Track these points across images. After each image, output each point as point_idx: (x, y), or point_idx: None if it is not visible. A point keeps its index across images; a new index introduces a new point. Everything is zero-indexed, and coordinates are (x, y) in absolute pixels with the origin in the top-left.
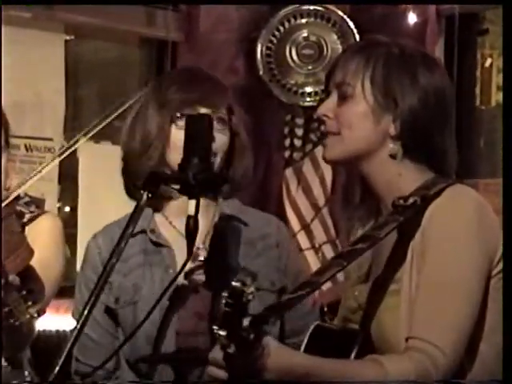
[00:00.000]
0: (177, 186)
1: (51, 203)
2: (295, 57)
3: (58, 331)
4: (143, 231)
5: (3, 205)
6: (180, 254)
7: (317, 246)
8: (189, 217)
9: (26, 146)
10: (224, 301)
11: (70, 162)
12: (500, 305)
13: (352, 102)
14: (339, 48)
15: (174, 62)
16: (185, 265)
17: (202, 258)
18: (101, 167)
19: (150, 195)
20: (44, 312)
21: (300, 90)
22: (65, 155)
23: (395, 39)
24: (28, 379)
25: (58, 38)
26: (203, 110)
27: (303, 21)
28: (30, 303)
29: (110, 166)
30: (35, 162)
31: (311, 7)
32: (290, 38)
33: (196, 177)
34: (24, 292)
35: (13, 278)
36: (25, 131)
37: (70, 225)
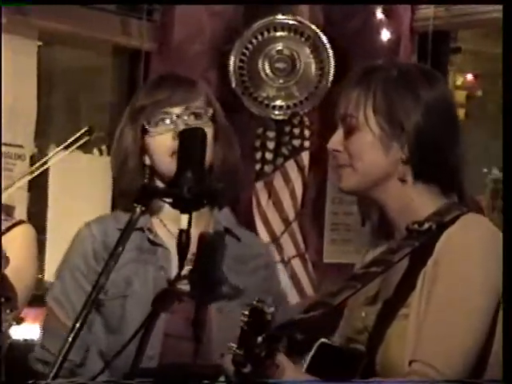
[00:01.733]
0: (170, 200)
1: (21, 211)
2: (268, 70)
3: (25, 340)
4: (140, 229)
5: None
6: (175, 257)
7: (286, 259)
8: (181, 231)
9: None
10: (243, 319)
11: (40, 170)
12: None
13: (358, 133)
14: (312, 62)
15: (146, 72)
16: (177, 278)
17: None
18: (71, 175)
19: (142, 209)
20: (23, 320)
21: (272, 103)
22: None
23: (392, 59)
24: None
25: (31, 44)
26: (176, 110)
27: (277, 34)
28: (8, 311)
29: (79, 175)
30: (6, 169)
31: (285, 21)
32: (264, 51)
33: (190, 191)
34: (2, 299)
35: None
36: None
37: (38, 232)
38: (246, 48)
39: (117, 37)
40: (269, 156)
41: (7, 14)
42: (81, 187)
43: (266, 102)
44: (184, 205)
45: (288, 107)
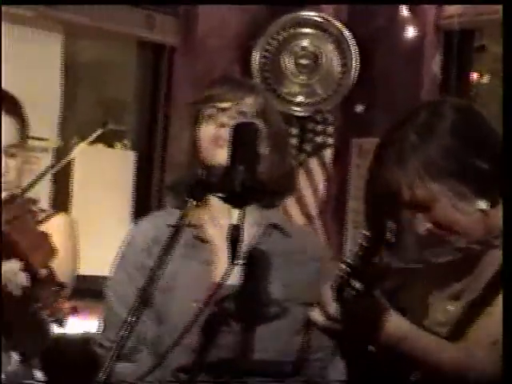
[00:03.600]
0: (222, 195)
1: (44, 203)
2: (291, 66)
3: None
4: (190, 225)
5: (14, 204)
6: (221, 251)
7: None
8: (232, 226)
9: None
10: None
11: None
12: None
13: (438, 208)
14: (335, 59)
15: (170, 66)
16: (227, 274)
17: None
18: (94, 168)
19: (195, 203)
20: (77, 311)
21: (294, 100)
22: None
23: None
24: (39, 379)
25: (56, 37)
26: (223, 105)
27: (301, 30)
28: (62, 299)
29: (103, 168)
30: (31, 162)
31: (310, 17)
32: (287, 47)
33: (242, 185)
34: (56, 288)
35: (44, 272)
36: None
37: None
38: (270, 44)
39: (141, 31)
40: (292, 152)
41: (33, 7)
42: (104, 180)
43: (288, 98)
44: (236, 199)
45: (311, 104)
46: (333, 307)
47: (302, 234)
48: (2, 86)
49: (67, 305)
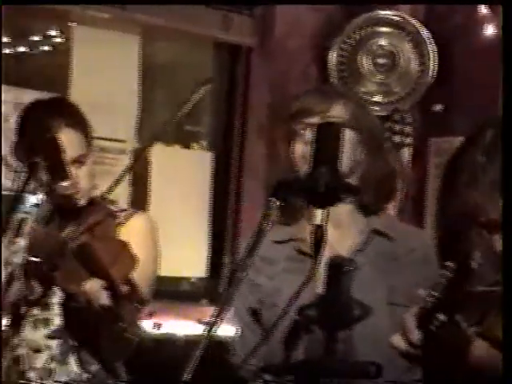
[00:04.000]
0: (305, 195)
1: (123, 205)
2: (368, 65)
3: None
4: (292, 239)
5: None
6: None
7: None
8: (316, 226)
9: (99, 147)
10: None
11: (142, 164)
12: None
13: None
14: (413, 58)
15: (247, 67)
16: (312, 274)
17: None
18: (171, 170)
19: (278, 204)
20: (153, 315)
21: (371, 99)
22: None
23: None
24: (122, 378)
25: (133, 39)
26: (309, 120)
27: (378, 29)
28: (136, 304)
29: (180, 169)
30: (107, 164)
31: (387, 16)
32: (364, 46)
33: (326, 185)
34: (137, 305)
35: (125, 288)
36: (98, 132)
37: None
38: (347, 43)
39: (218, 32)
40: None
41: (111, 9)
42: (181, 181)
43: (365, 97)
44: (319, 200)
45: (388, 103)
46: (415, 335)
47: (409, 236)
48: (81, 88)
49: (145, 312)
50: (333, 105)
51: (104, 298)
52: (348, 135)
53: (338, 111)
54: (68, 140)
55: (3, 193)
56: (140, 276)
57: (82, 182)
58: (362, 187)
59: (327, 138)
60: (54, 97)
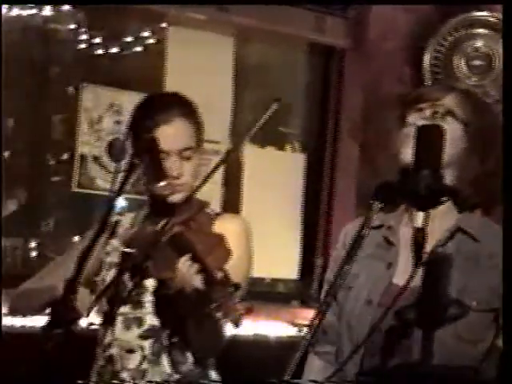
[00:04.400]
0: (406, 197)
1: (215, 206)
2: (463, 67)
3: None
4: (381, 226)
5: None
6: (403, 253)
7: None
8: (417, 229)
9: None
10: None
11: (235, 165)
12: None
13: None
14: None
15: (340, 69)
16: (411, 278)
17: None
18: (264, 171)
19: (379, 205)
20: (251, 311)
21: None
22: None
23: None
24: (213, 379)
25: (227, 40)
26: (422, 105)
27: (474, 31)
28: (237, 300)
29: (273, 171)
30: (202, 165)
31: (483, 17)
32: (459, 48)
33: (427, 188)
34: (231, 289)
35: (219, 274)
36: None
37: None
38: (441, 45)
39: (311, 33)
40: None
41: (207, 11)
42: (273, 183)
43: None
44: (420, 202)
45: None
46: None
47: (494, 240)
48: (175, 89)
49: (242, 305)
50: (443, 95)
51: (197, 282)
52: (452, 126)
53: (449, 101)
54: (179, 129)
55: (98, 193)
56: (234, 275)
57: (185, 177)
58: (458, 182)
59: (430, 140)
60: (168, 92)
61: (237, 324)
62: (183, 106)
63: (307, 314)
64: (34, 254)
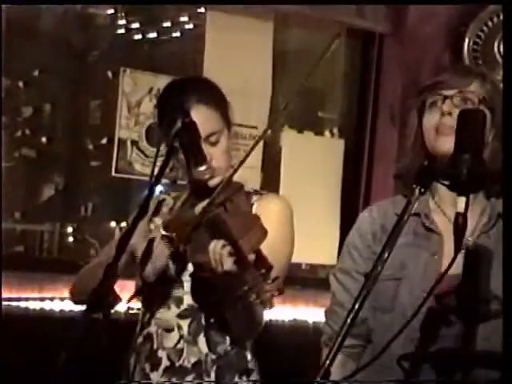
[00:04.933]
0: (447, 182)
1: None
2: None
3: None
4: (417, 214)
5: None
6: (448, 242)
7: None
8: (457, 214)
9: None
10: None
11: (273, 150)
12: None
13: None
14: None
15: (379, 54)
16: (451, 263)
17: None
18: (303, 157)
19: (421, 190)
20: (282, 291)
21: None
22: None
23: None
24: (249, 360)
25: (266, 25)
26: (448, 92)
27: None
28: (269, 281)
29: (312, 156)
30: (240, 149)
31: None
32: (499, 33)
33: (469, 173)
34: (263, 270)
35: (251, 257)
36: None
37: None
38: (481, 30)
39: (351, 19)
40: None
41: None
42: (312, 168)
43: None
44: (461, 187)
45: None
46: None
47: None
48: (213, 74)
49: (273, 286)
50: (471, 82)
51: (229, 265)
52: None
53: (475, 87)
54: (199, 116)
55: (136, 177)
56: (273, 255)
57: (215, 160)
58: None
59: (471, 124)
60: (186, 76)
61: (267, 305)
62: (201, 92)
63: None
64: (70, 239)
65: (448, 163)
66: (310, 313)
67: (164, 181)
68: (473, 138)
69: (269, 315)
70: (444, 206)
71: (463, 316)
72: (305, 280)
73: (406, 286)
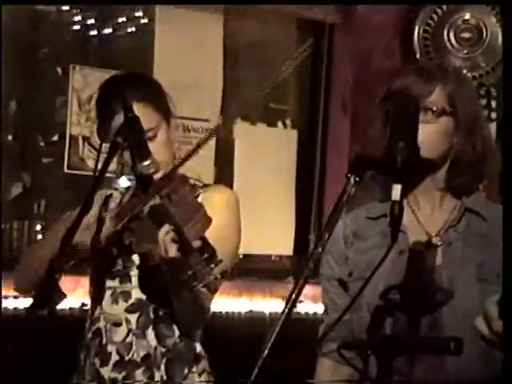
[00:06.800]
0: (383, 170)
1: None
2: (453, 40)
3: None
4: (385, 215)
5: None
6: (414, 239)
7: None
8: (393, 202)
9: (183, 126)
10: None
11: (226, 143)
12: None
13: None
14: (499, 31)
15: (330, 45)
16: (389, 250)
17: (438, 245)
18: (256, 149)
19: (357, 179)
20: (226, 273)
21: None
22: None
23: None
24: (198, 352)
25: (217, 18)
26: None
27: (463, 3)
28: (212, 265)
29: (265, 148)
30: (192, 143)
31: None
32: (449, 21)
33: (403, 161)
34: (206, 255)
35: (195, 243)
36: (183, 112)
37: None
38: (431, 18)
39: (301, 9)
40: None
41: None
42: (266, 160)
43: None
44: (397, 175)
45: (474, 78)
46: (498, 324)
47: (500, 215)
48: (164, 68)
49: (217, 270)
50: (434, 87)
51: (174, 251)
52: (444, 122)
53: (436, 95)
54: (139, 113)
55: (89, 173)
56: (219, 243)
57: (155, 155)
58: (455, 171)
59: (405, 113)
60: (123, 73)
61: (212, 289)
62: (134, 89)
63: (303, 290)
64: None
65: (383, 152)
66: (267, 304)
67: (110, 175)
68: (407, 126)
69: (225, 307)
70: (413, 204)
71: (408, 311)
72: (261, 271)
73: (372, 285)
